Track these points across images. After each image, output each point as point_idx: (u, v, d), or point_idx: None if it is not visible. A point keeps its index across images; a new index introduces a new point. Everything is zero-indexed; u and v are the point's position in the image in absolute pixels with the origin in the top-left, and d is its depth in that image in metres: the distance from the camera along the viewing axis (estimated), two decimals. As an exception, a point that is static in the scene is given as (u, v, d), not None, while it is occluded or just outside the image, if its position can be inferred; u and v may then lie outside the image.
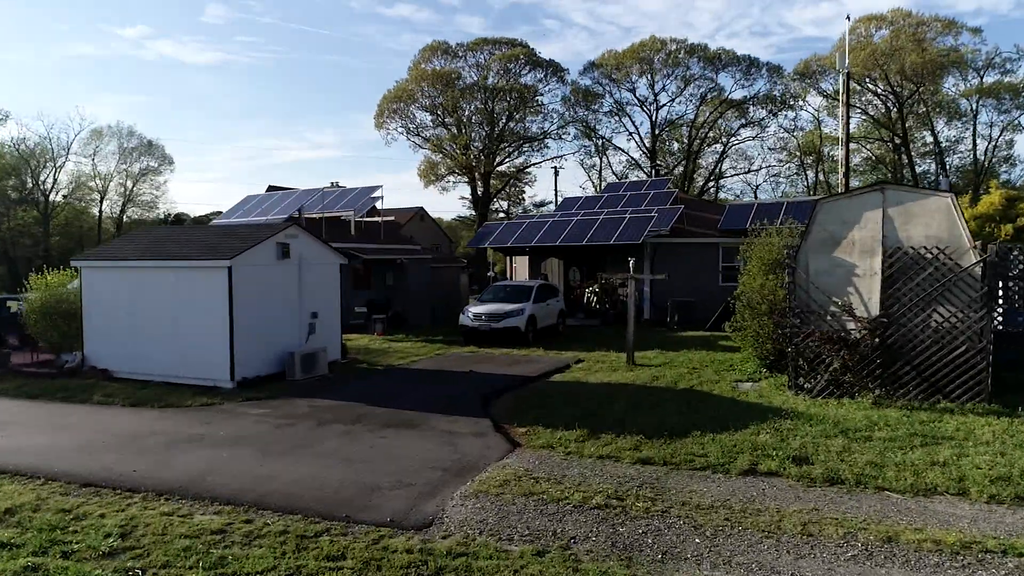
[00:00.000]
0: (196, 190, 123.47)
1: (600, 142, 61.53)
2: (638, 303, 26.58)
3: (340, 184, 66.12)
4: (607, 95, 59.50)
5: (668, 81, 57.97)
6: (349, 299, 25.27)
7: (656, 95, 58.54)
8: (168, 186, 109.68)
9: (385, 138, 59.35)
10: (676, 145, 61.99)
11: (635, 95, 59.37)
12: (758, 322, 14.27)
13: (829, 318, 12.06)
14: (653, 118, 59.39)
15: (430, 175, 59.94)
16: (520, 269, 31.83)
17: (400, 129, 59.16)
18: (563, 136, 62.08)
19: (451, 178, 60.85)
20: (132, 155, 70.89)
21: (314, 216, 25.42)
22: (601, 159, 63.87)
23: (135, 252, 14.58)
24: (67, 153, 65.15)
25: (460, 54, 60.37)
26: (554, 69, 60.46)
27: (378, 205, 28.52)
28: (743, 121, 58.64)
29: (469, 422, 10.62)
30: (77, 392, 13.11)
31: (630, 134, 61.15)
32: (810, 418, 10.33)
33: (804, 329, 12.19)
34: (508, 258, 30.72)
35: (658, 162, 58.79)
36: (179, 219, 68.63)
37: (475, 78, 59.38)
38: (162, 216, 69.98)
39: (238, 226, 15.66)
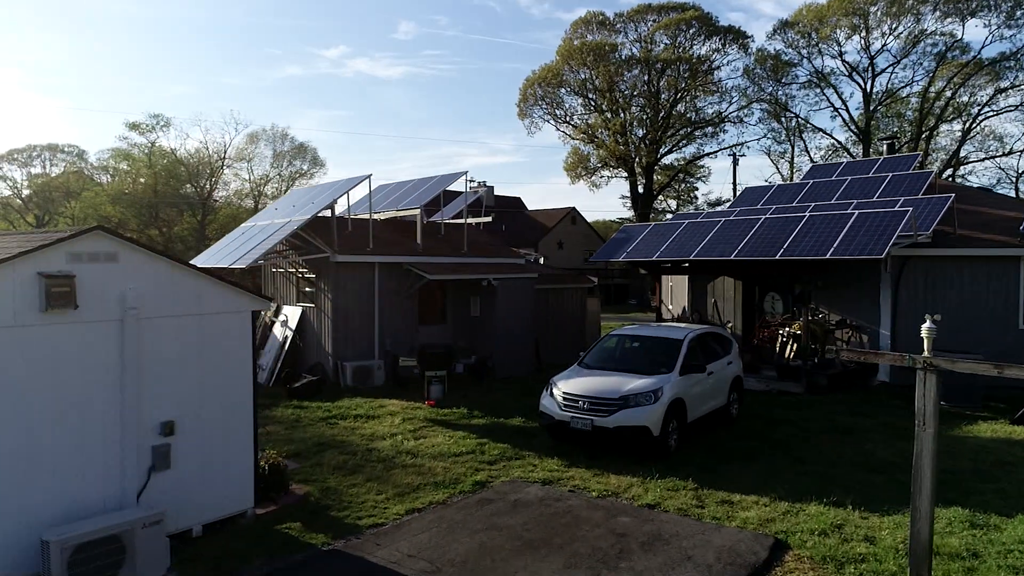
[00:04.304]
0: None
1: (793, 122, 49.15)
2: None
3: (486, 184, 59.25)
4: (804, 62, 47.13)
5: (889, 39, 44.55)
6: (411, 339, 17.13)
7: (872, 58, 45.30)
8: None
9: (528, 127, 51.47)
10: (897, 123, 48.01)
11: (843, 61, 46.48)
12: None
13: None
14: (867, 88, 46.14)
15: (578, 168, 51.01)
16: (678, 292, 22.05)
17: (546, 116, 50.85)
18: (745, 119, 50.56)
19: (605, 172, 51.46)
20: (285, 158, 69.17)
21: (359, 217, 17.54)
22: (794, 145, 51.39)
23: None
24: (224, 157, 63.80)
25: (618, 27, 50.92)
26: (735, 36, 49.21)
27: (450, 192, 20.13)
28: (997, 85, 43.62)
29: None
30: None
31: (835, 110, 48.30)
32: None
33: None
34: (658, 278, 21.24)
35: (875, 144, 45.46)
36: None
37: (636, 53, 49.63)
38: (310, 220, 67.64)
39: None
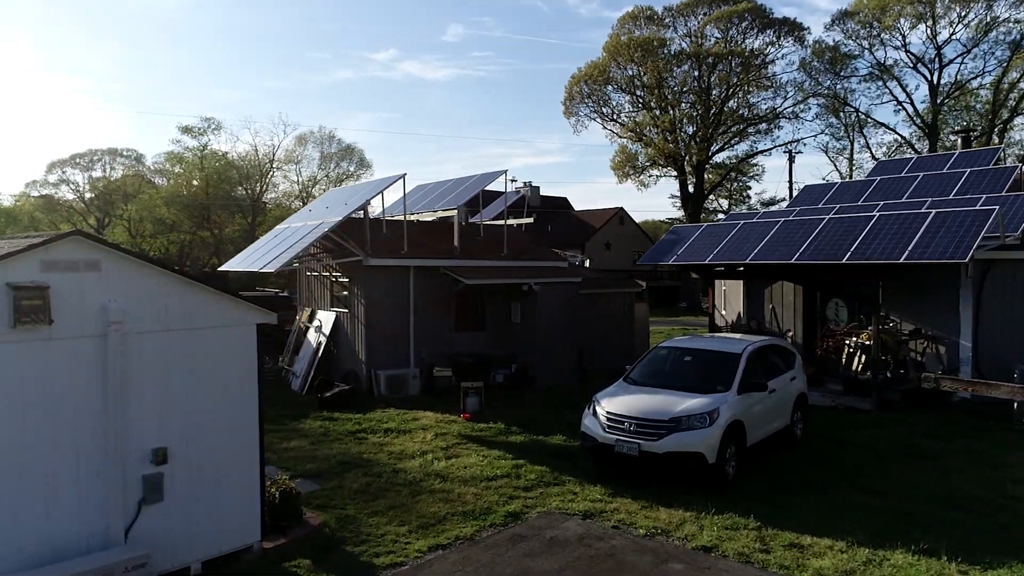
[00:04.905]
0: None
1: (853, 117, 46.90)
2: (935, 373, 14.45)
3: (532, 184, 58.31)
4: (865, 53, 44.91)
5: (958, 28, 42.04)
6: (448, 346, 16.37)
7: (939, 49, 42.85)
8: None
9: (574, 126, 50.30)
10: (967, 116, 45.35)
11: (907, 51, 44.11)
12: None
13: None
14: (933, 80, 43.67)
15: (625, 167, 49.67)
16: (732, 297, 20.74)
17: (592, 115, 49.66)
18: (801, 115, 48.48)
19: (653, 171, 50.00)
20: (332, 160, 69.61)
21: (394, 218, 16.82)
22: (853, 142, 49.10)
23: None
24: (273, 159, 64.26)
25: (667, 21, 49.44)
26: (790, 28, 47.26)
27: (498, 190, 19.30)
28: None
29: None
30: None
31: (899, 104, 45.85)
32: None
33: None
34: (711, 282, 19.97)
35: (943, 139, 42.98)
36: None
37: (685, 48, 48.09)
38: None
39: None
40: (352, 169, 69.46)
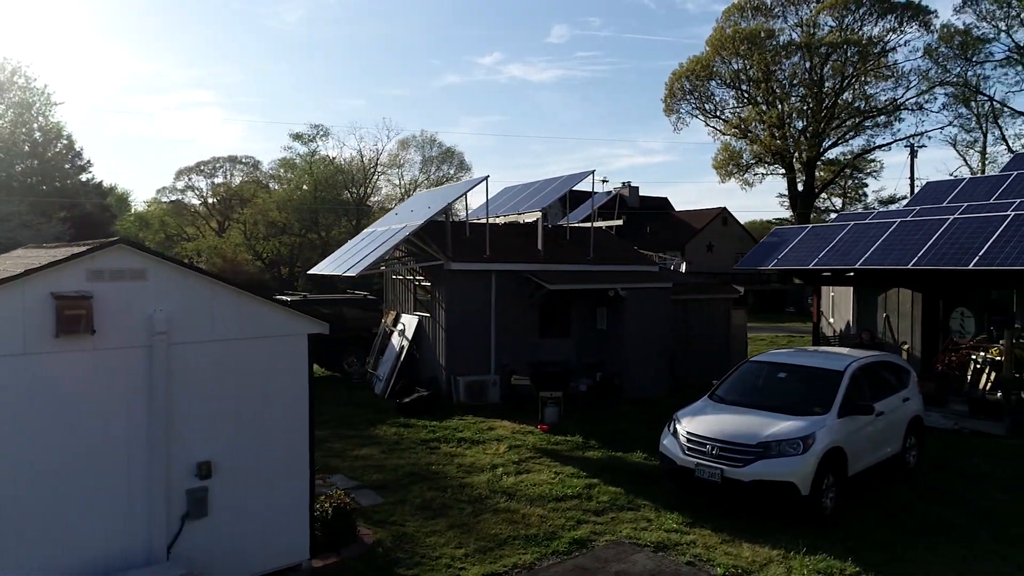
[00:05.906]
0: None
1: (987, 106, 42.84)
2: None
3: (630, 184, 57.00)
4: (1002, 36, 40.91)
5: (1115, 2, 37.47)
6: (531, 353, 15.92)
7: (1091, 27, 38.38)
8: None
9: (675, 124, 48.55)
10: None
11: (1051, 31, 39.80)
12: None
13: None
14: (1084, 63, 39.17)
15: (728, 165, 47.52)
16: (841, 304, 19.14)
17: (694, 111, 47.85)
18: (925, 105, 44.75)
19: (759, 169, 47.61)
20: (432, 163, 70.62)
21: (479, 221, 16.47)
22: (987, 133, 44.89)
23: None
24: (376, 164, 66.00)
25: (776, 11, 46.98)
26: (914, 12, 43.77)
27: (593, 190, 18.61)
28: None
29: None
30: None
31: (1041, 91, 41.45)
32: None
33: None
34: (817, 288, 18.45)
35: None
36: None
37: (796, 38, 45.52)
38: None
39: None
40: (452, 172, 70.19)
